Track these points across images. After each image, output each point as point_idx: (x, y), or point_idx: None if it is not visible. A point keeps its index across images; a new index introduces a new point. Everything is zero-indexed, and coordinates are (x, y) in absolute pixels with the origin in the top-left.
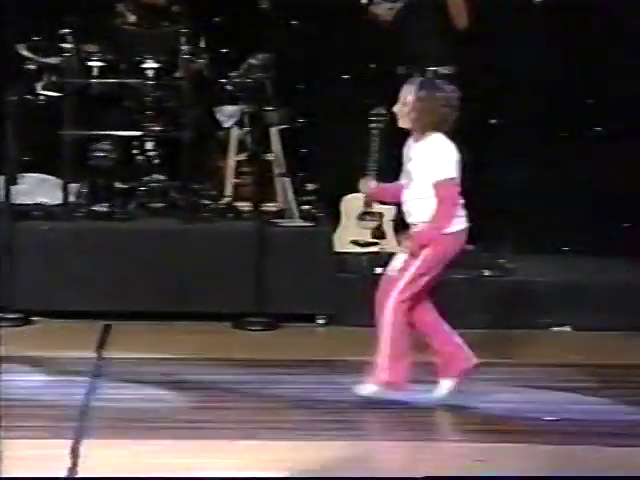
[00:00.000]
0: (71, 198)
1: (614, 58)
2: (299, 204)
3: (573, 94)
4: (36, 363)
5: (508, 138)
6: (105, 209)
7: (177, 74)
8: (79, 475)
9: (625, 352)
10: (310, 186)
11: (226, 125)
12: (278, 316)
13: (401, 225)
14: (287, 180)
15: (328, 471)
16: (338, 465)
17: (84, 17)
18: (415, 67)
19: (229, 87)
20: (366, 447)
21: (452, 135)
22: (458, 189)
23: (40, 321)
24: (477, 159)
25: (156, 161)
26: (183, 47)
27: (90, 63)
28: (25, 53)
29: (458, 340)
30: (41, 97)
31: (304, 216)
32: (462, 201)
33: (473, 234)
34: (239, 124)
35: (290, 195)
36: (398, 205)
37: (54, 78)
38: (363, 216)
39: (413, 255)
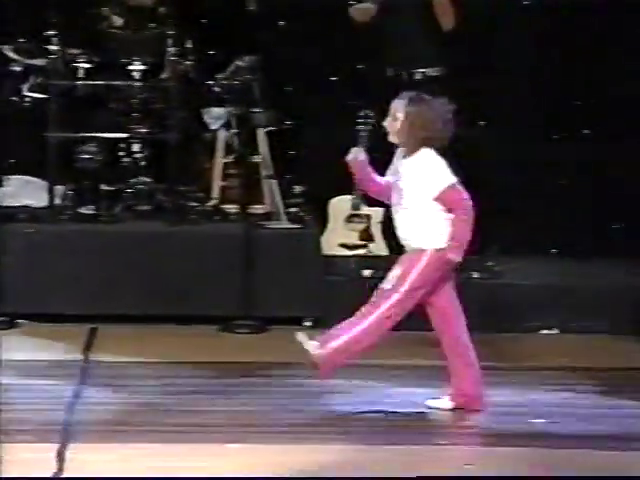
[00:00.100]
0: (57, 200)
1: (606, 58)
2: (286, 206)
3: (563, 95)
4: (22, 366)
5: (496, 140)
6: (91, 212)
7: (164, 76)
8: None
9: (613, 355)
10: (297, 188)
11: (213, 127)
12: (265, 319)
13: (389, 227)
14: (274, 182)
15: (318, 475)
16: (328, 469)
17: (70, 19)
18: (403, 69)
19: (216, 89)
20: (356, 451)
21: (443, 148)
22: (464, 192)
23: (26, 324)
24: (465, 162)
25: (142, 163)
26: (170, 49)
27: (76, 65)
28: (10, 55)
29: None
30: (27, 99)
31: (291, 218)
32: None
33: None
34: (226, 126)
35: (277, 197)
36: (384, 206)
37: (40, 80)
38: (351, 218)
39: (406, 271)
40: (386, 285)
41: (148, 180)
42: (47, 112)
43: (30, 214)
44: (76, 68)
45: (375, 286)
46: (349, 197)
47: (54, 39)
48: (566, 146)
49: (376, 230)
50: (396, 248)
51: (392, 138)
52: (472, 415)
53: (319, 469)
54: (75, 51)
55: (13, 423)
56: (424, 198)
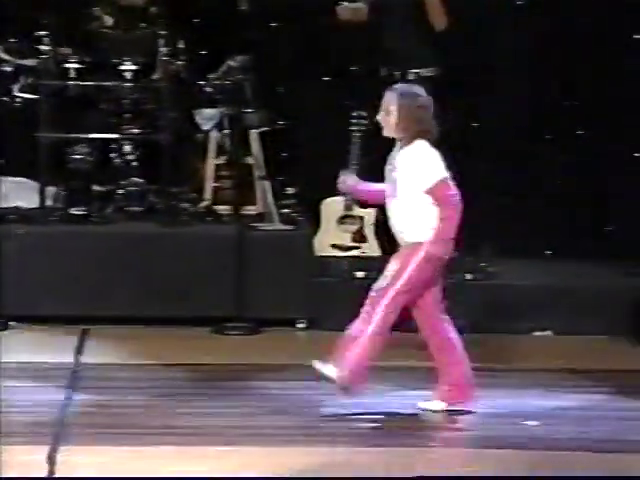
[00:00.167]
0: (48, 202)
1: (601, 58)
2: (279, 208)
3: (556, 95)
4: (13, 368)
5: (490, 141)
6: (82, 213)
7: (155, 76)
8: None
9: (607, 356)
10: (290, 189)
11: (205, 128)
12: (258, 321)
13: (382, 228)
14: (267, 183)
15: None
16: (318, 471)
17: (61, 19)
18: (396, 68)
19: (208, 89)
20: (349, 453)
21: (437, 143)
22: (454, 188)
23: (17, 326)
24: (458, 162)
25: (134, 164)
26: (161, 49)
27: (67, 65)
28: (1, 55)
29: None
30: (18, 99)
31: (284, 220)
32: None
33: (456, 238)
34: (218, 127)
35: (270, 198)
36: (380, 207)
37: (31, 80)
38: (343, 220)
39: (403, 265)
40: (383, 282)
41: (140, 181)
42: (38, 112)
43: (21, 215)
44: (67, 68)
45: (369, 287)
46: (342, 198)
47: (45, 39)
48: (561, 146)
49: (369, 231)
50: (389, 249)
51: (387, 132)
52: (465, 417)
53: (311, 471)
54: (66, 51)
55: (4, 425)
56: (416, 190)
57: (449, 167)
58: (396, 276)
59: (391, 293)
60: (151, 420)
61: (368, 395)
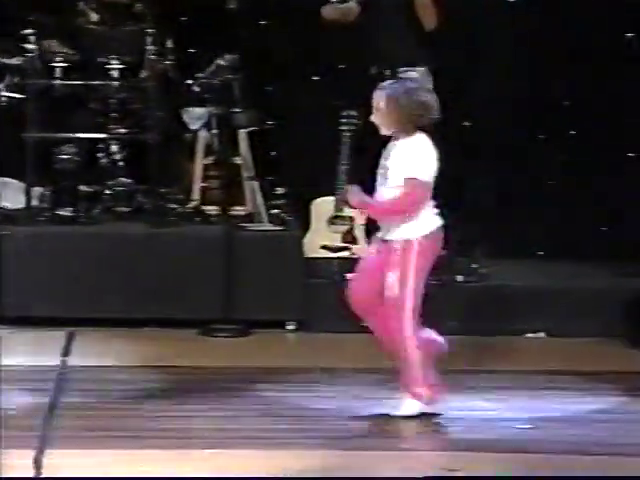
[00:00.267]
0: (34, 202)
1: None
2: (268, 208)
3: (548, 95)
4: None
5: (481, 140)
6: (69, 213)
7: (143, 75)
8: None
9: (599, 358)
10: (279, 189)
11: (193, 127)
12: (247, 322)
13: (373, 230)
14: (256, 183)
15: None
16: (306, 474)
17: (46, 16)
18: (386, 68)
19: (196, 88)
20: (340, 456)
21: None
22: (427, 193)
23: (3, 328)
24: (450, 162)
25: (121, 164)
26: (149, 47)
27: (53, 64)
28: None
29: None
30: (3, 98)
31: (273, 220)
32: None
33: (447, 239)
34: (206, 126)
35: (259, 199)
36: None
37: (16, 79)
38: (334, 220)
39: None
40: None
41: (127, 181)
42: (24, 112)
43: (6, 216)
44: (53, 67)
45: None
46: (332, 198)
47: (31, 37)
48: (557, 146)
49: (359, 232)
50: None
51: (383, 131)
52: (460, 419)
53: (303, 474)
54: (52, 47)
55: None
56: (400, 179)
57: (442, 168)
58: (403, 283)
59: (407, 297)
60: (138, 423)
61: (362, 397)
